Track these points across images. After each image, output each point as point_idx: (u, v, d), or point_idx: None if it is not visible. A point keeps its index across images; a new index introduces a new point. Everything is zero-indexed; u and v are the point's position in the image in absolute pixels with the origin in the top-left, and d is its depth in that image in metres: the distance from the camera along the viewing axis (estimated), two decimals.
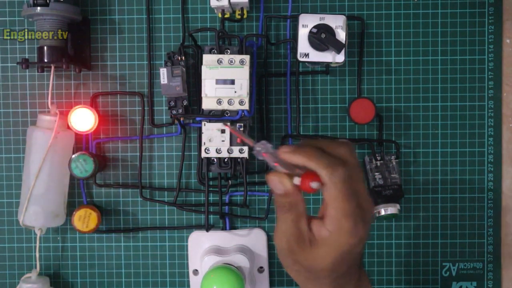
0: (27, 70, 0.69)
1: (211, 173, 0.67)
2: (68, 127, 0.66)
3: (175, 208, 0.69)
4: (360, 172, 0.48)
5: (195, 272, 0.69)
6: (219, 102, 0.62)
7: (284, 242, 0.48)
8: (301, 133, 0.68)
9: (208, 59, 0.62)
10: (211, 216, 0.69)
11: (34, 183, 0.64)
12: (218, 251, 0.67)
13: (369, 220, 0.48)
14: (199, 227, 0.69)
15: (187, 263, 0.70)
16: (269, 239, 0.69)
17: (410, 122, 0.68)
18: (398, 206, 0.66)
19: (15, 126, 0.69)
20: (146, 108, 0.69)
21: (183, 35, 0.68)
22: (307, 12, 0.67)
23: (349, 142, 0.53)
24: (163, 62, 0.68)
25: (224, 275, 0.62)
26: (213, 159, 0.64)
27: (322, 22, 0.63)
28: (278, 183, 0.47)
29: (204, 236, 0.69)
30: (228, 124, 0.62)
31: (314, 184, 0.46)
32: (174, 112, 0.65)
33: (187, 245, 0.69)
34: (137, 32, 0.69)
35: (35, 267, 0.68)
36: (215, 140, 0.63)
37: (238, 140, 0.63)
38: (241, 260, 0.65)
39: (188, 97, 0.65)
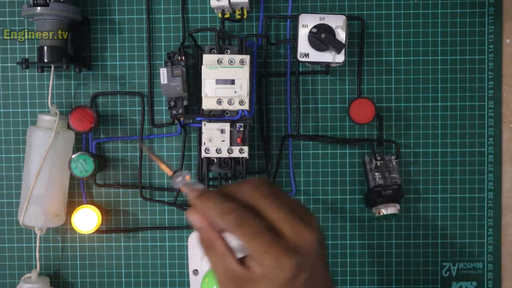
0: (27, 70, 0.69)
1: (211, 173, 0.67)
2: (68, 127, 0.66)
3: (175, 208, 0.69)
4: (276, 198, 0.44)
5: (195, 272, 0.69)
6: (219, 102, 0.62)
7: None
8: (301, 133, 0.68)
9: (208, 59, 0.62)
10: None
11: (34, 183, 0.64)
12: None
13: (304, 248, 0.43)
14: None
15: (187, 263, 0.70)
16: None
17: (410, 122, 0.68)
18: (398, 206, 0.66)
19: (15, 126, 0.69)
20: (146, 108, 0.69)
21: (183, 35, 0.68)
22: (307, 12, 0.67)
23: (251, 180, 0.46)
24: (163, 62, 0.68)
25: None
26: (213, 159, 0.64)
27: (322, 22, 0.63)
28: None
29: None
30: (146, 146, 0.59)
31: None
32: (174, 112, 0.65)
33: (187, 245, 0.69)
34: (137, 32, 0.69)
35: (35, 267, 0.68)
36: (215, 140, 0.63)
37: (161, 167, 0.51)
38: None
39: (188, 97, 0.65)
